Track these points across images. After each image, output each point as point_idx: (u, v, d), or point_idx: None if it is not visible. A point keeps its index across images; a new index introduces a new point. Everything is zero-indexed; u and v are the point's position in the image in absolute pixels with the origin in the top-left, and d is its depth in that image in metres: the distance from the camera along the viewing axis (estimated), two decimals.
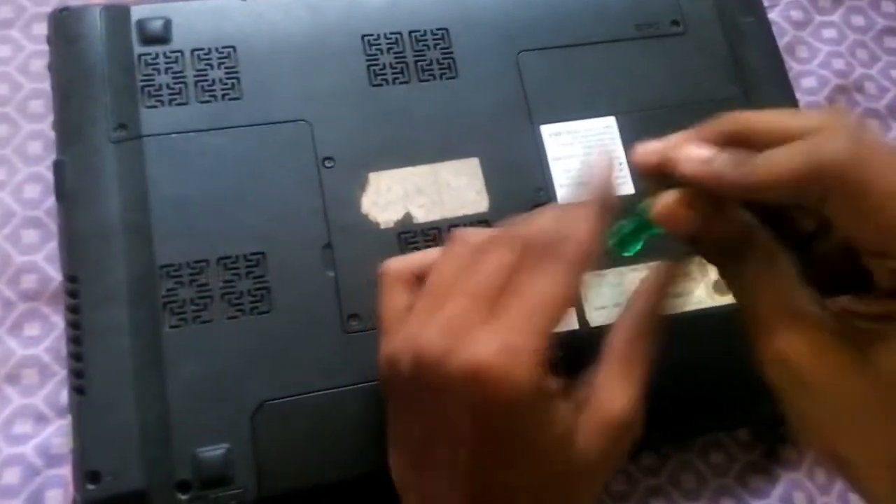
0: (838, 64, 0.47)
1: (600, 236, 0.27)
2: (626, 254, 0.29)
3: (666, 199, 0.25)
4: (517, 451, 0.25)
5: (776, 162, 0.23)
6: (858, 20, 0.49)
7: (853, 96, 0.47)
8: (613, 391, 0.26)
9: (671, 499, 0.38)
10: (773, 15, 0.48)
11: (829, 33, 0.48)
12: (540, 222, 0.27)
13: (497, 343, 0.24)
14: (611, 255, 0.28)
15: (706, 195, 0.25)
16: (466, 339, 0.25)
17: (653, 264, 0.29)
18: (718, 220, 0.25)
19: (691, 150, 0.25)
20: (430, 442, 0.27)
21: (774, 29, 0.46)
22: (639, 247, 0.28)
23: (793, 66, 0.47)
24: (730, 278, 0.26)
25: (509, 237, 0.27)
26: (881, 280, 0.23)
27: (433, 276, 0.28)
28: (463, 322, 0.25)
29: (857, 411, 0.23)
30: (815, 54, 0.48)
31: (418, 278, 0.29)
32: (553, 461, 0.26)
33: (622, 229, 0.28)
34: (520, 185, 0.39)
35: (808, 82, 0.47)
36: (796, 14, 0.48)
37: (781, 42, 0.46)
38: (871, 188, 0.21)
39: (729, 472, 0.39)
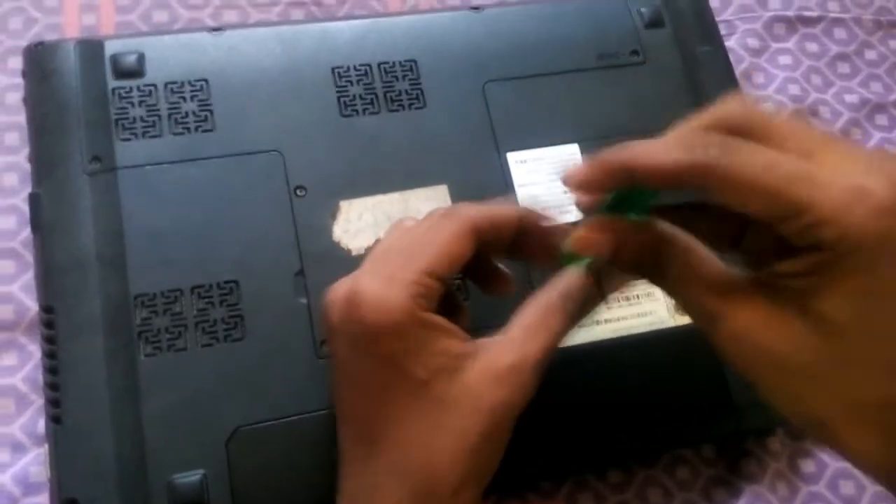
0: (794, 89, 0.49)
1: (502, 225, 0.30)
2: (572, 263, 0.30)
3: (577, 232, 0.28)
4: (393, 379, 0.28)
5: (653, 150, 0.25)
6: (812, 47, 0.51)
7: (808, 120, 0.49)
8: (508, 346, 0.29)
9: None
10: (730, 42, 0.49)
11: (784, 60, 0.50)
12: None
13: (373, 274, 0.29)
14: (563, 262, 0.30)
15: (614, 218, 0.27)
16: (354, 278, 0.29)
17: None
18: (631, 236, 0.27)
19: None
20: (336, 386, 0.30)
21: (732, 56, 0.47)
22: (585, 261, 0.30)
23: (750, 92, 0.48)
24: (661, 283, 0.28)
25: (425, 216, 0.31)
26: (795, 240, 0.24)
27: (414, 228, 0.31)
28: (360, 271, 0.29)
29: (817, 366, 0.24)
30: (772, 80, 0.49)
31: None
32: (432, 392, 0.27)
33: (563, 257, 0.30)
34: None
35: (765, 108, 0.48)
36: (753, 42, 0.50)
37: (739, 68, 0.48)
38: (735, 180, 0.24)
39: (694, 487, 0.40)
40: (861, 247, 0.23)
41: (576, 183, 0.27)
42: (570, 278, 0.30)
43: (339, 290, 0.29)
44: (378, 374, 0.28)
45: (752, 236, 0.28)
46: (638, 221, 0.28)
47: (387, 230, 0.33)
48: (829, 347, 0.24)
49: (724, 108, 0.26)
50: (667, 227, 0.28)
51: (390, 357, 0.27)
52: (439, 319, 0.28)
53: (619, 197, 0.28)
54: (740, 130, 0.25)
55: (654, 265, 0.27)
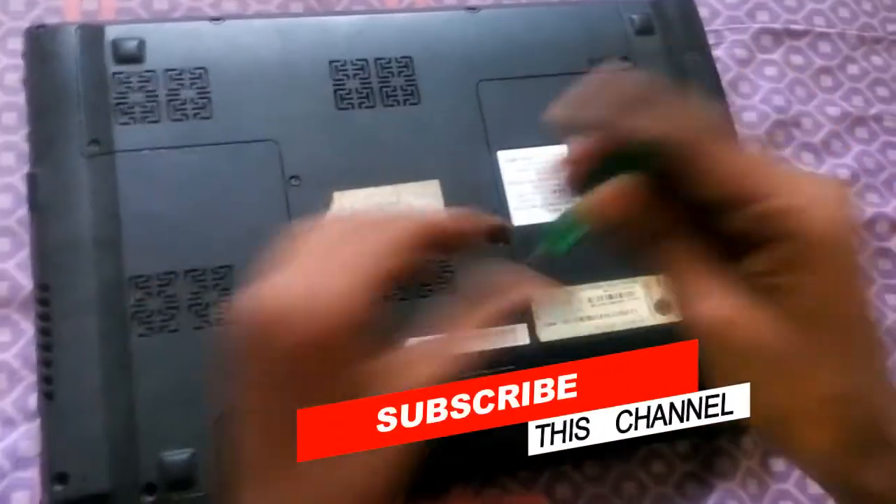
0: (778, 100, 0.51)
1: (448, 232, 0.29)
2: (556, 253, 0.30)
3: (600, 193, 0.27)
4: (326, 385, 0.25)
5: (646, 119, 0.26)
6: (798, 59, 0.52)
7: (791, 131, 0.50)
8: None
9: None
10: (718, 52, 0.51)
11: (770, 71, 0.52)
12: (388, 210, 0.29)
13: (326, 280, 0.25)
14: (545, 253, 0.30)
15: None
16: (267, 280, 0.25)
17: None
18: (645, 213, 0.28)
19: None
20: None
21: (719, 65, 0.49)
22: (567, 245, 0.30)
23: (735, 101, 0.50)
24: (655, 262, 0.28)
25: (352, 217, 0.29)
26: (754, 232, 0.25)
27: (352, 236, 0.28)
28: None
29: (787, 360, 0.25)
30: (757, 90, 0.51)
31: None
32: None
33: (553, 228, 0.30)
34: (477, 207, 0.40)
35: (749, 116, 0.50)
36: (740, 52, 0.51)
37: (725, 78, 0.49)
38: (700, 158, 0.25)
39: (668, 481, 0.41)
40: (824, 241, 0.24)
41: (575, 154, 0.27)
42: (508, 283, 0.30)
43: (264, 296, 0.25)
44: (322, 384, 0.25)
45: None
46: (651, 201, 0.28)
47: (304, 230, 0.28)
48: (798, 341, 0.25)
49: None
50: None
51: (333, 367, 0.25)
52: (379, 319, 0.26)
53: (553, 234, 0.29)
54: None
55: (656, 243, 0.28)
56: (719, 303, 0.26)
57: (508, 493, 0.39)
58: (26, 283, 0.39)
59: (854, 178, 0.50)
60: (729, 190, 0.25)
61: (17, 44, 0.43)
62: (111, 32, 0.40)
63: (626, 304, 0.41)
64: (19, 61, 0.41)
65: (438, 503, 0.38)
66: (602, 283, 0.41)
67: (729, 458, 0.42)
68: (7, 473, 0.36)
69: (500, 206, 0.41)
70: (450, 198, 0.40)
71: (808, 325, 0.25)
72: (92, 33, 0.40)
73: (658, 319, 0.41)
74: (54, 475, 0.33)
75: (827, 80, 0.52)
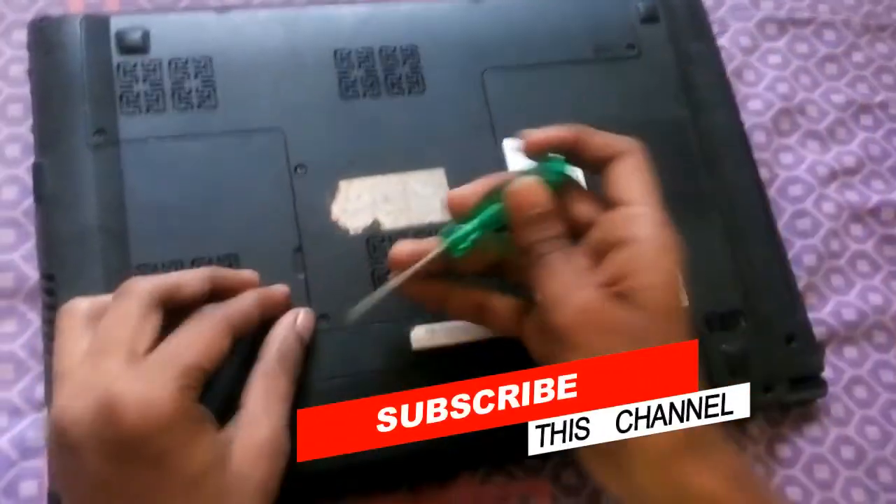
0: (783, 88, 0.50)
1: (251, 316, 0.32)
2: (455, 254, 0.32)
3: (523, 180, 0.32)
4: (163, 481, 0.27)
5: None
6: (802, 47, 0.52)
7: (796, 118, 0.50)
8: (256, 420, 0.30)
9: None
10: (722, 40, 0.51)
11: (774, 59, 0.51)
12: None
13: (132, 374, 0.27)
14: (445, 255, 0.32)
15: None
16: (108, 379, 0.27)
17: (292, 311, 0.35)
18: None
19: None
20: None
21: (723, 54, 0.49)
22: (465, 247, 0.32)
23: (740, 89, 0.50)
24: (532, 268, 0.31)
25: (162, 299, 0.30)
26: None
27: (102, 325, 0.29)
28: (112, 369, 0.27)
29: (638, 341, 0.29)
30: (761, 78, 0.51)
31: (99, 318, 0.30)
32: (206, 486, 0.27)
33: (454, 231, 0.32)
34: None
35: (755, 105, 0.50)
36: (744, 40, 0.51)
37: (730, 66, 0.49)
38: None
39: None
40: (650, 247, 0.30)
41: (458, 198, 0.33)
42: (277, 341, 0.33)
43: (76, 405, 0.27)
44: (145, 478, 0.26)
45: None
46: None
47: (118, 300, 0.30)
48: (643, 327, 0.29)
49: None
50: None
51: (158, 458, 0.26)
52: (202, 410, 0.28)
53: (486, 218, 0.32)
54: None
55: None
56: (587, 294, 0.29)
57: (514, 480, 0.39)
58: (32, 273, 0.39)
59: (859, 165, 0.50)
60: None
61: (21, 35, 0.43)
62: (116, 23, 0.40)
63: None
64: (24, 53, 0.41)
65: (445, 490, 0.38)
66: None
67: (735, 443, 0.42)
68: (15, 463, 0.36)
69: None
70: (455, 186, 0.40)
71: (646, 311, 0.29)
72: (96, 24, 0.40)
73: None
74: None
75: (832, 68, 0.52)
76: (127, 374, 0.27)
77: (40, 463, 0.36)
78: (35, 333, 0.38)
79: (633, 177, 0.32)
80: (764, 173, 0.46)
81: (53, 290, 0.35)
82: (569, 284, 0.29)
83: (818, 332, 0.43)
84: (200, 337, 0.29)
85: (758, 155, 0.47)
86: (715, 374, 0.40)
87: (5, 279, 0.39)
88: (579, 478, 0.39)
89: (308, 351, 0.35)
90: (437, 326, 0.37)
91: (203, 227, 0.37)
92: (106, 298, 0.31)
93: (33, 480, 0.36)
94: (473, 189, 0.33)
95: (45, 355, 0.35)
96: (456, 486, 0.38)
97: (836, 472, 0.42)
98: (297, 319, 0.34)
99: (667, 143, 0.44)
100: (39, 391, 0.37)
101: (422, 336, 0.37)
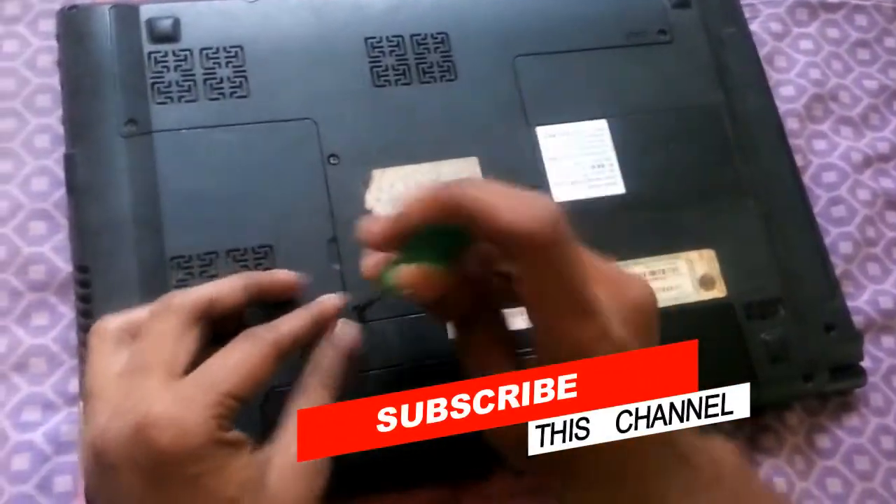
0: (814, 74, 0.50)
1: (302, 336, 0.31)
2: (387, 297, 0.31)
3: (406, 271, 0.29)
4: (198, 501, 0.26)
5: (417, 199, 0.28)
6: (833, 33, 0.51)
7: (828, 105, 0.49)
8: (293, 439, 0.28)
9: None
10: (753, 26, 0.50)
11: (806, 44, 0.51)
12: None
13: (169, 397, 0.27)
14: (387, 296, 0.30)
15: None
16: (146, 401, 0.27)
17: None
18: (453, 292, 0.29)
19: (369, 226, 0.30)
20: None
21: (755, 39, 0.48)
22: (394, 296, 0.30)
23: (772, 76, 0.49)
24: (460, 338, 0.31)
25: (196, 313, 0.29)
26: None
27: (139, 344, 0.29)
28: (150, 391, 0.27)
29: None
30: (793, 64, 0.50)
31: (132, 336, 0.30)
32: None
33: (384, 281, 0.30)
34: (517, 184, 0.40)
35: (787, 91, 0.49)
36: (775, 26, 0.51)
37: (761, 52, 0.49)
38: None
39: None
40: (527, 247, 0.26)
41: (372, 240, 0.29)
42: (323, 354, 0.31)
43: (113, 426, 0.27)
44: (181, 499, 0.26)
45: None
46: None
47: (155, 315, 0.29)
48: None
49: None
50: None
51: (192, 480, 0.26)
52: (237, 435, 0.28)
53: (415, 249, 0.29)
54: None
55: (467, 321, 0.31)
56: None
57: None
58: (63, 266, 0.38)
59: (893, 151, 0.49)
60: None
61: (48, 26, 0.42)
62: (145, 11, 0.40)
63: (670, 280, 0.40)
64: (51, 43, 0.41)
65: (484, 483, 0.37)
66: (644, 259, 0.40)
67: (774, 434, 0.41)
68: (49, 458, 0.36)
69: (541, 181, 0.40)
70: (489, 174, 0.40)
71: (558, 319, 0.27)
72: (126, 12, 0.39)
73: (702, 295, 0.40)
74: None
75: (864, 53, 0.51)
76: (164, 396, 0.27)
77: (75, 458, 0.36)
78: (67, 326, 0.38)
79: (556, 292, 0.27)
80: (797, 160, 0.46)
81: (87, 282, 0.35)
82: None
83: (855, 320, 0.43)
84: (243, 364, 0.28)
85: (791, 142, 0.46)
86: (755, 364, 0.39)
87: (37, 272, 0.38)
88: None
89: (355, 364, 0.32)
90: None
91: (237, 218, 0.37)
92: (139, 315, 0.30)
93: (67, 475, 0.35)
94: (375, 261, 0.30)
95: (80, 347, 0.35)
96: (493, 480, 0.37)
97: (876, 463, 0.41)
98: (342, 333, 0.32)
99: (701, 130, 0.43)
100: (73, 385, 0.37)
101: None
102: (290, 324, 0.31)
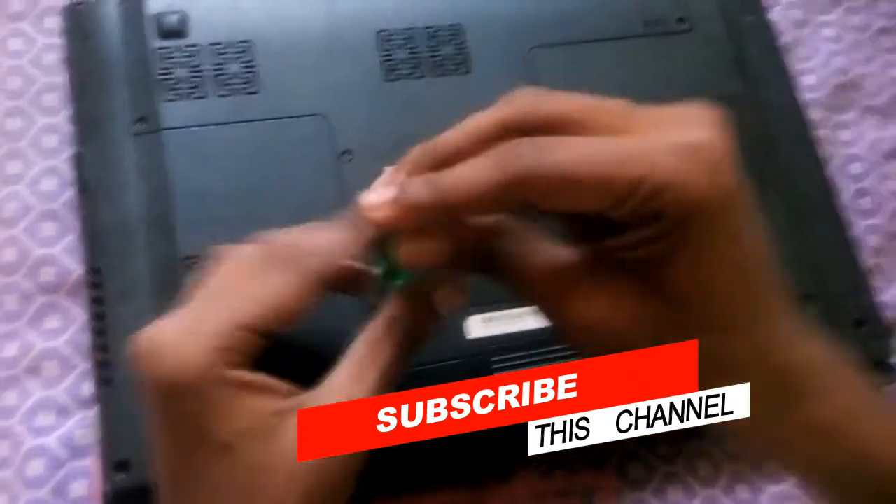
0: (837, 62, 0.48)
1: (338, 256, 0.27)
2: (393, 287, 0.28)
3: (405, 246, 0.25)
4: (193, 438, 0.24)
5: (465, 177, 0.23)
6: (856, 20, 0.50)
7: (852, 94, 0.48)
8: (331, 396, 0.25)
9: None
10: (773, 14, 0.49)
11: (828, 32, 0.49)
12: (288, 236, 0.28)
13: (178, 321, 0.24)
14: (383, 286, 0.28)
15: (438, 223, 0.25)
16: (160, 324, 0.25)
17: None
18: (459, 239, 0.25)
19: (372, 198, 0.25)
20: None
21: (775, 28, 0.47)
22: (402, 281, 0.28)
23: (794, 65, 0.47)
24: (503, 281, 0.27)
25: (251, 248, 0.27)
26: (634, 220, 0.23)
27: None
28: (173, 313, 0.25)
29: (662, 338, 0.24)
30: (815, 53, 0.49)
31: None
32: (242, 455, 0.24)
33: (381, 266, 0.28)
34: None
35: (809, 80, 0.48)
36: (796, 13, 0.49)
37: (782, 41, 0.47)
38: (562, 180, 0.22)
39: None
40: (700, 206, 0.22)
41: (382, 219, 0.24)
42: (395, 304, 0.27)
43: (144, 335, 0.24)
44: (177, 433, 0.24)
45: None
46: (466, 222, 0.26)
47: (221, 257, 0.27)
48: (673, 317, 0.24)
49: (516, 105, 0.25)
50: (499, 221, 0.26)
51: (186, 416, 0.24)
52: (251, 377, 0.24)
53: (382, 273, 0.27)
54: (542, 125, 0.24)
55: (492, 264, 0.26)
56: (588, 303, 0.25)
57: (577, 474, 0.37)
58: (74, 267, 0.38)
59: None
60: (592, 205, 0.23)
61: (53, 23, 0.42)
62: (153, 6, 0.39)
63: None
64: (56, 41, 0.41)
65: (506, 485, 0.36)
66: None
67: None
68: (65, 462, 0.35)
69: None
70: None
71: (687, 299, 0.23)
72: (133, 7, 0.39)
73: None
74: (115, 463, 0.32)
75: (888, 41, 0.50)
76: (174, 321, 0.25)
77: (90, 462, 0.35)
78: (79, 329, 0.37)
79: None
80: (821, 151, 0.45)
81: (99, 283, 0.34)
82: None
83: (885, 316, 0.42)
84: (268, 292, 0.25)
85: (814, 132, 0.45)
86: None
87: (47, 273, 0.38)
88: (646, 471, 0.38)
89: (442, 322, 0.28)
90: (494, 315, 0.35)
91: (250, 216, 0.36)
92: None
93: (83, 480, 0.35)
94: (402, 213, 0.25)
95: (94, 350, 0.34)
96: (517, 481, 0.37)
97: None
98: (436, 286, 0.27)
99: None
100: (86, 389, 0.36)
101: (477, 325, 0.36)
102: (321, 245, 0.27)
